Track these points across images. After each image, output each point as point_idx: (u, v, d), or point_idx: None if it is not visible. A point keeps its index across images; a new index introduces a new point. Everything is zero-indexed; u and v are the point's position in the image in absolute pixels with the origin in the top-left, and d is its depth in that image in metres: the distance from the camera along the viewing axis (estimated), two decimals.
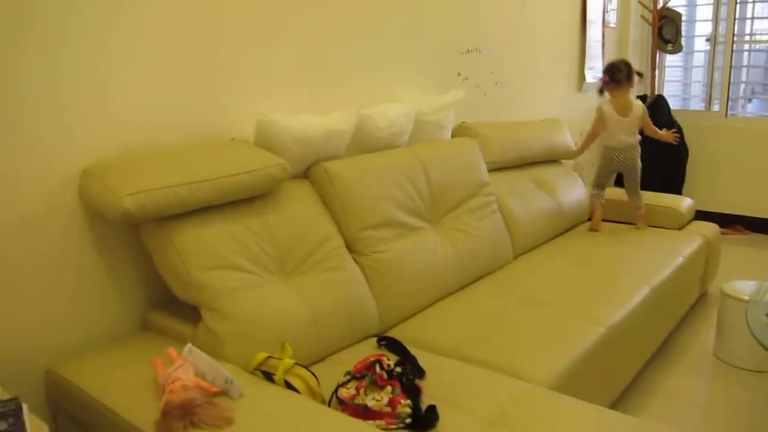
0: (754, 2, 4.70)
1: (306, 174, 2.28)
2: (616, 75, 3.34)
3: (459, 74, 3.26)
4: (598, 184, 3.51)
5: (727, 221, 4.67)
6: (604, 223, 3.51)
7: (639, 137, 3.45)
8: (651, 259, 2.94)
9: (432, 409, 1.62)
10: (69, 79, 1.77)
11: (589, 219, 3.56)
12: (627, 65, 3.38)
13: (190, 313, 1.91)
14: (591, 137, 3.50)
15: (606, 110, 3.37)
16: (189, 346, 1.60)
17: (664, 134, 3.49)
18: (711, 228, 3.52)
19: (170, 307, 2.01)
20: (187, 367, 1.54)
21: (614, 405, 2.40)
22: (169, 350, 1.63)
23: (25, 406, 1.42)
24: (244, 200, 1.99)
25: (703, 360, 2.95)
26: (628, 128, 3.40)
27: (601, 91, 3.49)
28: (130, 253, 1.99)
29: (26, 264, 1.75)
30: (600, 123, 3.40)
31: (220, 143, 2.08)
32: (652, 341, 2.74)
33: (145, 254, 2.00)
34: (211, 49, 2.10)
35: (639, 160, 3.48)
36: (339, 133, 2.25)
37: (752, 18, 4.75)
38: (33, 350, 1.80)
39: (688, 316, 3.35)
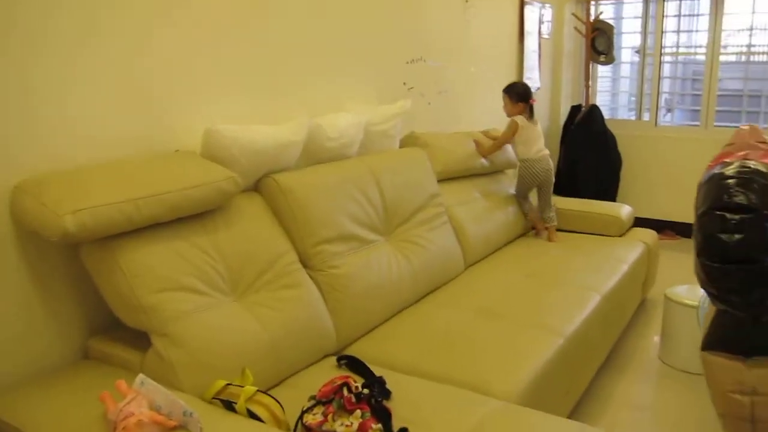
0: (679, 17, 4.88)
1: (256, 187, 2.18)
2: (519, 92, 3.36)
3: (404, 83, 3.22)
4: (524, 197, 3.50)
5: (659, 227, 4.80)
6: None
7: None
8: (598, 267, 2.96)
9: None
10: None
11: (533, 228, 3.57)
12: (524, 86, 3.42)
13: (137, 338, 1.77)
14: (500, 143, 3.43)
15: (519, 120, 3.33)
16: (141, 376, 1.47)
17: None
18: (650, 234, 3.60)
19: (113, 333, 1.86)
20: (140, 401, 1.41)
21: (572, 415, 2.39)
22: (118, 383, 1.49)
23: None
24: (193, 217, 1.87)
25: (649, 365, 3.00)
26: (539, 137, 3.41)
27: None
28: (66, 274, 1.83)
29: None
30: (511, 131, 3.34)
31: (164, 156, 1.95)
32: (604, 348, 2.76)
33: (83, 275, 1.84)
34: (152, 54, 1.97)
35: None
36: (290, 144, 2.16)
37: (677, 31, 4.93)
38: None
39: (631, 322, 3.40)
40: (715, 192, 1.48)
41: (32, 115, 1.69)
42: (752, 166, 1.52)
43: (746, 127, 1.90)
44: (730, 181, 1.48)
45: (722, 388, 1.52)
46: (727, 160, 1.66)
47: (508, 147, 3.52)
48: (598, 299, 2.61)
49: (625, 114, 5.41)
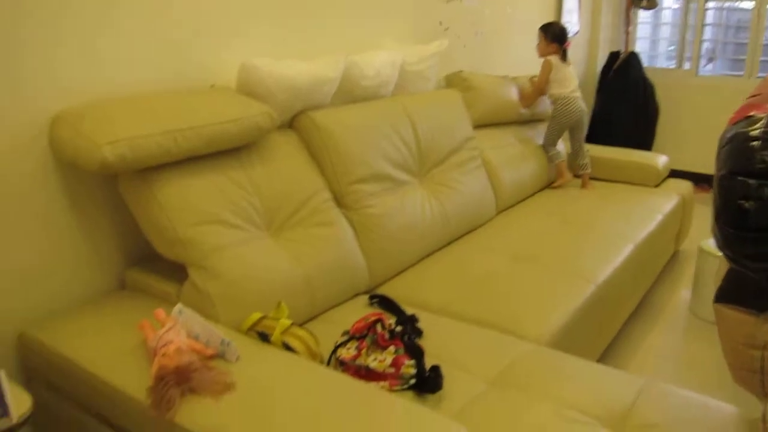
0: None
1: (291, 124, 2.16)
2: (555, 32, 3.28)
3: (441, 23, 3.14)
4: (553, 143, 3.40)
5: (694, 180, 4.70)
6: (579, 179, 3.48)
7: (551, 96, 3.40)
8: (631, 217, 2.92)
9: (436, 369, 1.55)
10: (31, 21, 1.60)
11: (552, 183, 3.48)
12: (561, 27, 3.33)
13: (173, 270, 1.80)
14: (538, 91, 3.37)
15: (552, 60, 3.29)
16: (179, 306, 1.49)
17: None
18: (686, 186, 3.53)
19: (150, 265, 1.89)
20: (178, 329, 1.44)
21: (600, 361, 2.39)
22: (157, 311, 1.52)
23: (2, 373, 1.31)
24: (229, 152, 1.86)
25: (679, 316, 2.98)
26: (574, 78, 3.35)
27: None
28: (105, 206, 1.85)
29: None
30: (546, 72, 3.29)
31: (200, 91, 1.93)
32: (634, 298, 2.74)
33: (121, 207, 1.86)
34: None
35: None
36: (326, 80, 2.13)
37: None
38: (1, 312, 1.66)
39: (663, 274, 3.37)
40: (738, 154, 1.41)
41: (68, 49, 1.68)
42: None
43: None
44: (755, 143, 1.40)
45: (734, 340, 1.50)
46: (753, 114, 1.58)
47: (546, 98, 3.45)
48: (631, 248, 2.58)
49: (665, 62, 5.25)
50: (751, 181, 1.33)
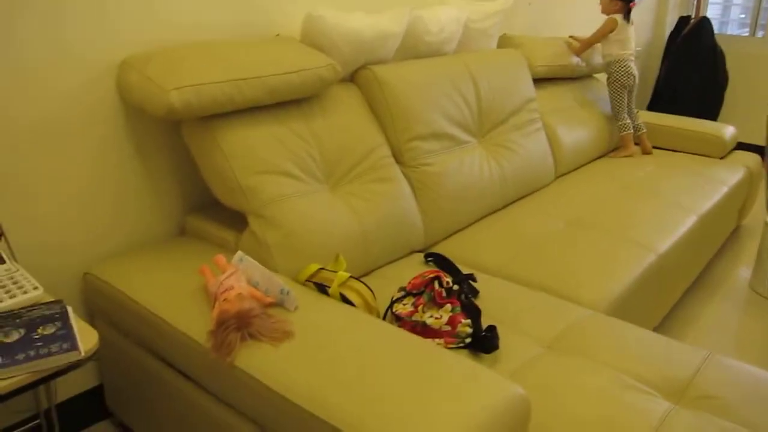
0: None
1: (353, 78, 2.14)
2: None
3: None
4: (621, 111, 3.30)
5: (763, 154, 4.53)
6: (637, 148, 3.38)
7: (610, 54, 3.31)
8: (695, 187, 2.83)
9: (492, 329, 1.54)
10: None
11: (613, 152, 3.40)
12: None
13: (231, 218, 1.82)
14: (594, 40, 3.25)
15: (618, 18, 3.19)
16: (240, 253, 1.51)
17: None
18: (753, 158, 3.39)
19: (209, 212, 1.92)
20: (238, 276, 1.45)
21: (656, 331, 2.35)
22: (217, 257, 1.54)
23: (70, 309, 1.34)
24: (291, 102, 1.86)
25: (738, 292, 2.89)
26: (633, 40, 3.27)
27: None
28: (166, 152, 1.87)
29: (60, 157, 1.64)
30: (608, 30, 3.19)
31: (264, 40, 1.92)
32: (693, 271, 2.67)
33: (182, 154, 1.89)
34: None
35: (610, 78, 3.33)
36: (390, 35, 2.09)
37: None
38: (68, 250, 1.71)
39: (724, 248, 3.27)
40: None
41: None
42: None
43: None
44: None
45: None
46: None
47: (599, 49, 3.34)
48: (694, 219, 2.50)
49: (737, 29, 5.01)
50: None
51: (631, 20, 3.22)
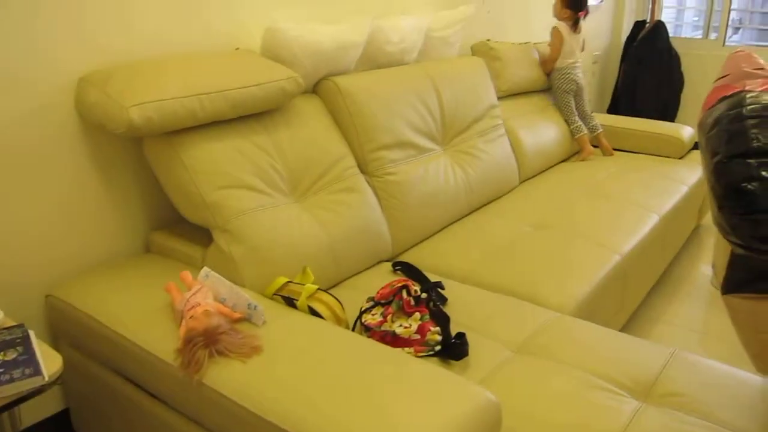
0: None
1: (315, 89, 2.14)
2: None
3: None
4: (569, 116, 3.37)
5: None
6: (598, 150, 3.44)
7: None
8: (656, 188, 2.88)
9: (461, 336, 1.55)
10: None
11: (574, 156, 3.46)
12: None
13: (198, 234, 1.80)
14: (552, 59, 3.34)
15: (562, 29, 3.26)
16: (206, 269, 1.49)
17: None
18: None
19: (175, 228, 1.90)
20: (205, 292, 1.44)
21: (622, 331, 2.39)
22: (183, 274, 1.52)
23: (32, 333, 1.32)
24: (254, 116, 1.85)
25: (701, 289, 2.95)
26: (578, 46, 3.36)
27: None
28: (130, 169, 1.85)
29: (17, 177, 1.61)
30: (558, 41, 3.27)
31: (225, 54, 1.91)
32: (657, 270, 2.72)
33: (145, 170, 1.87)
34: None
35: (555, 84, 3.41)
36: (351, 45, 2.10)
37: None
38: (28, 272, 1.67)
39: (685, 246, 3.34)
40: (729, 136, 1.29)
41: (95, 10, 1.67)
42: (763, 101, 1.36)
43: (741, 53, 1.68)
44: (748, 122, 1.30)
45: (754, 331, 1.44)
46: (729, 94, 1.50)
47: None
48: (656, 219, 2.55)
49: (691, 32, 5.14)
50: (751, 161, 1.25)
51: (579, 28, 3.30)
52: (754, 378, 1.52)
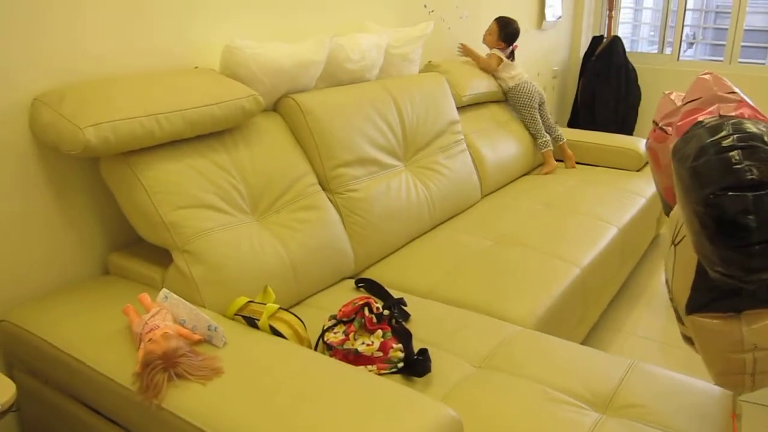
0: None
1: (276, 107, 2.14)
2: (510, 33, 3.33)
3: (425, 6, 3.12)
4: (538, 130, 3.41)
5: None
6: (559, 163, 3.49)
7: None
8: (615, 200, 2.93)
9: (424, 353, 1.56)
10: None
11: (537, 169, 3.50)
12: (517, 30, 3.37)
13: (157, 255, 1.78)
14: (482, 66, 3.37)
15: (503, 57, 3.34)
16: (165, 291, 1.48)
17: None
18: None
19: (133, 249, 1.87)
20: (164, 314, 1.42)
21: (584, 343, 2.41)
22: (142, 296, 1.50)
23: None
24: (213, 135, 1.84)
25: (660, 298, 3.01)
26: (518, 66, 3.43)
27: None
28: (87, 190, 1.82)
29: None
30: (496, 63, 3.34)
31: (184, 72, 1.90)
32: (617, 281, 2.76)
33: (103, 191, 1.84)
34: None
35: (522, 98, 3.44)
36: (311, 63, 2.10)
37: None
38: None
39: (645, 257, 3.40)
40: (721, 168, 1.27)
41: (48, 30, 1.64)
42: (747, 129, 1.32)
43: (708, 77, 1.62)
44: (734, 153, 1.28)
45: (720, 350, 1.44)
46: (701, 118, 1.50)
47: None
48: (615, 232, 2.59)
49: (647, 47, 5.27)
50: (747, 194, 1.23)
51: (514, 58, 3.39)
52: (711, 387, 1.56)
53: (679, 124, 1.53)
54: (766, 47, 4.66)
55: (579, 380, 1.54)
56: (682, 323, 1.59)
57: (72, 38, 1.70)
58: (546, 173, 3.37)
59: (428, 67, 3.07)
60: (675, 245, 1.56)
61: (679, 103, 1.78)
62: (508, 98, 3.44)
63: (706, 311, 1.44)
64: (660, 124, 1.84)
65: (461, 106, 3.03)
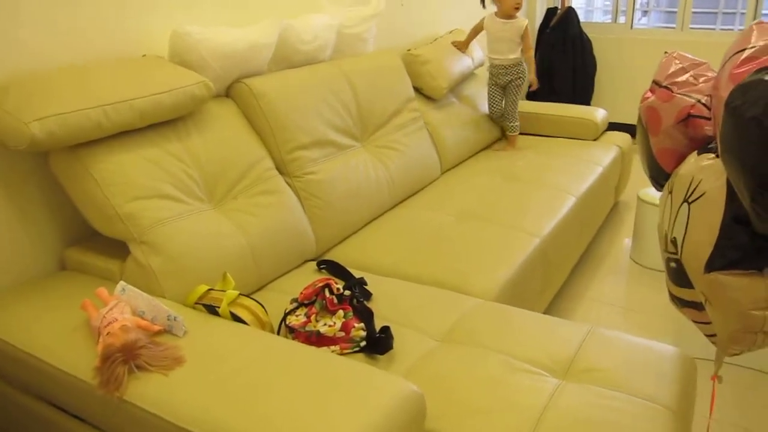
0: None
1: (228, 93, 2.11)
2: None
3: None
4: (496, 114, 3.38)
5: (634, 131, 4.82)
6: (523, 136, 3.50)
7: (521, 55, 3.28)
8: (573, 170, 2.98)
9: (386, 330, 1.57)
10: None
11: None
12: None
13: (114, 248, 1.76)
14: (469, 37, 3.35)
15: (487, 19, 3.23)
16: (122, 283, 1.47)
17: (531, 76, 3.34)
18: (624, 138, 3.61)
19: (90, 243, 1.85)
20: (122, 307, 1.41)
21: (546, 311, 2.46)
22: (99, 290, 1.49)
23: None
24: (164, 123, 1.82)
25: (621, 264, 3.07)
26: (509, 38, 3.20)
27: (482, 1, 3.30)
28: (37, 185, 1.79)
29: None
30: (476, 30, 3.29)
31: (131, 61, 1.87)
32: (578, 249, 2.81)
33: (54, 186, 1.80)
34: None
35: (524, 81, 3.33)
36: (262, 46, 2.08)
37: None
38: None
39: (604, 224, 3.46)
40: None
41: None
42: None
43: (762, 25, 1.64)
44: None
45: (740, 307, 1.43)
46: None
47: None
48: (573, 201, 2.63)
49: (601, 17, 5.31)
50: None
51: (515, 13, 3.23)
52: (667, 348, 1.60)
53: (736, 72, 1.44)
54: (716, 12, 4.73)
55: (539, 348, 1.58)
56: (679, 285, 1.59)
57: (14, 30, 1.65)
58: (502, 149, 3.37)
59: (407, 57, 3.04)
60: (689, 203, 1.55)
61: (682, 64, 1.77)
62: (516, 75, 3.29)
63: (730, 268, 1.44)
64: (664, 83, 1.82)
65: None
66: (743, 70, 1.42)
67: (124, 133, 1.70)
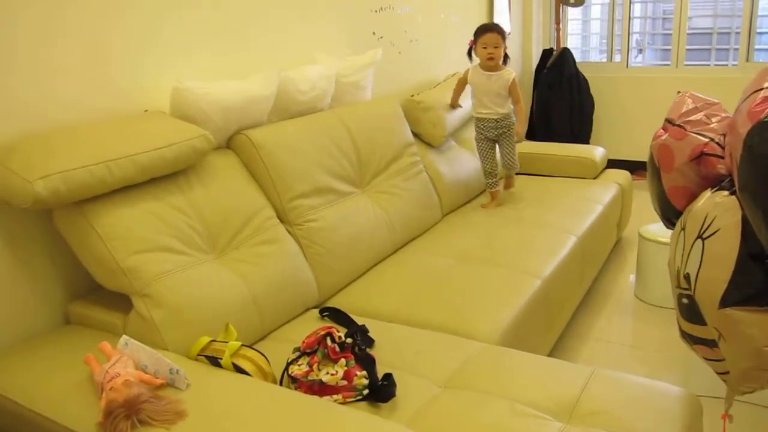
0: None
1: (229, 144, 2.15)
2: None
3: (374, 33, 3.17)
4: (487, 170, 3.14)
5: (632, 168, 4.85)
6: (522, 176, 3.52)
7: (511, 107, 3.08)
8: (573, 210, 3.00)
9: (388, 377, 1.57)
10: None
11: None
12: (497, 26, 3.07)
13: (118, 301, 1.77)
14: (456, 92, 3.23)
15: (471, 72, 3.07)
16: (125, 337, 1.48)
17: (518, 128, 3.12)
18: (624, 175, 3.64)
19: (94, 297, 1.86)
20: (125, 361, 1.42)
21: (551, 352, 2.45)
22: (102, 344, 1.50)
23: None
24: (167, 177, 1.85)
25: (625, 302, 3.07)
26: (496, 91, 3.00)
27: (469, 54, 3.14)
28: (42, 240, 1.81)
29: None
30: (461, 83, 3.17)
31: (133, 117, 1.91)
32: (581, 288, 2.81)
33: (58, 241, 1.83)
34: (114, 15, 1.92)
35: (513, 129, 3.10)
36: (261, 98, 2.13)
37: None
38: None
39: (607, 262, 3.47)
40: None
41: None
42: None
43: None
44: None
45: (754, 343, 1.42)
46: None
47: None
48: (574, 240, 2.65)
49: (597, 56, 5.40)
50: None
51: (499, 64, 3.10)
52: (672, 389, 1.59)
53: (755, 110, 1.47)
54: (710, 49, 4.81)
55: (542, 392, 1.57)
56: (690, 321, 1.58)
57: (7, 92, 1.70)
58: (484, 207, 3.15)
59: (409, 103, 3.08)
60: (704, 239, 1.56)
61: (695, 104, 1.79)
62: (506, 125, 3.08)
63: (744, 304, 1.44)
64: (678, 122, 1.83)
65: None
66: (762, 108, 1.45)
67: (127, 187, 1.74)
